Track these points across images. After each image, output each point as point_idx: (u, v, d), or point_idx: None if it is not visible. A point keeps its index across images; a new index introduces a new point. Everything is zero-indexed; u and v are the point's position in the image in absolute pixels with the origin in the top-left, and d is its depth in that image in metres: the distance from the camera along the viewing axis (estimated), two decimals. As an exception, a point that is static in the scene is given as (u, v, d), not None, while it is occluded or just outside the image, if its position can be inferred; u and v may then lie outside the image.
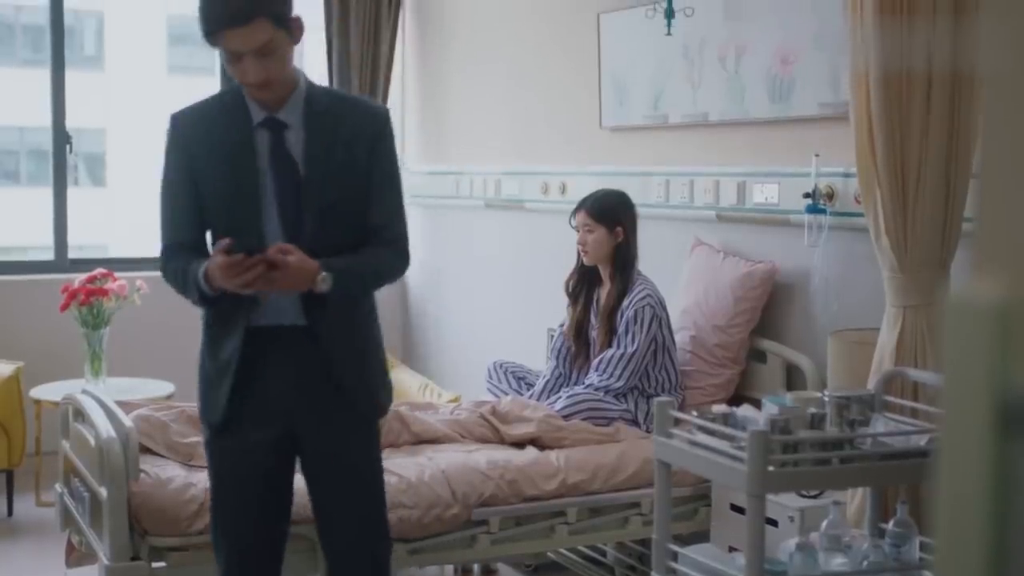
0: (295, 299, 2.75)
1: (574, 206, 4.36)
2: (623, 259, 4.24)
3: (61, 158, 6.31)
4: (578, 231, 4.30)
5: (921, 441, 2.83)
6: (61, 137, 6.30)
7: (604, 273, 4.30)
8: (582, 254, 4.32)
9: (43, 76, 6.38)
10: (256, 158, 2.73)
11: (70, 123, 6.32)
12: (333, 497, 2.91)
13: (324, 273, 2.66)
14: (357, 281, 2.78)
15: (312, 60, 6.85)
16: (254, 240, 2.66)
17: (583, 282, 4.38)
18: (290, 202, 2.74)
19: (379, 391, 2.95)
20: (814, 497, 3.38)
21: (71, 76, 6.33)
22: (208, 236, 2.85)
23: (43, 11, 6.45)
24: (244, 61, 2.62)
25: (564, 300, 4.44)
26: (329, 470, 2.89)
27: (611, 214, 4.24)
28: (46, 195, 6.44)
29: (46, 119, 6.32)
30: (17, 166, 15.04)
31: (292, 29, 2.69)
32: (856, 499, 3.37)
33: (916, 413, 3.09)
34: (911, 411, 3.11)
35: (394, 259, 2.87)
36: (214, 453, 2.92)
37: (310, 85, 2.81)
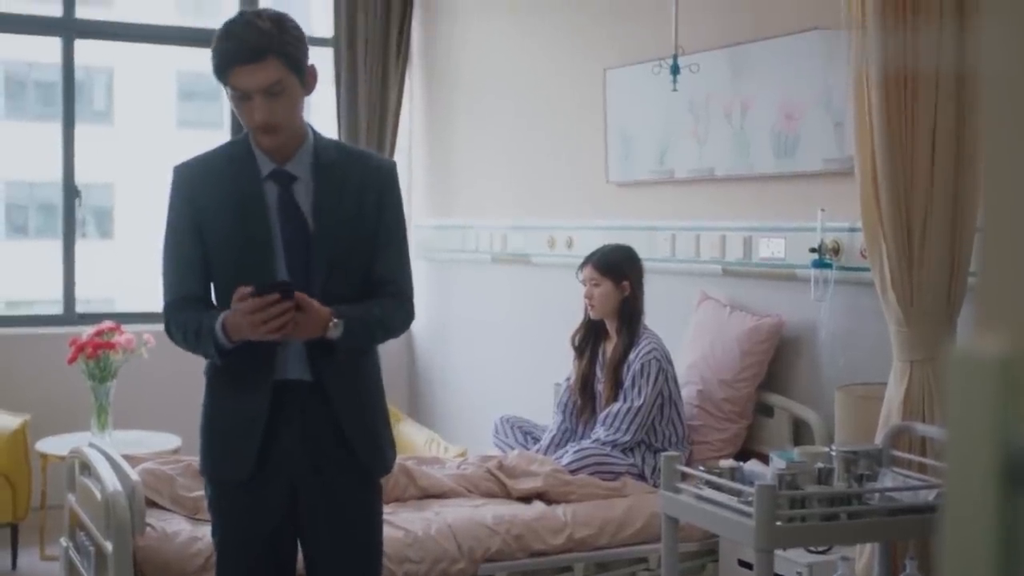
0: (300, 353, 2.73)
1: (581, 260, 4.37)
2: (629, 313, 4.25)
3: (71, 213, 6.35)
4: (585, 285, 4.31)
5: (929, 496, 2.82)
6: (71, 192, 6.34)
7: (611, 327, 4.31)
8: (588, 308, 4.32)
9: (53, 130, 6.42)
10: (268, 210, 2.73)
11: (79, 177, 6.36)
12: (328, 555, 2.84)
13: (336, 320, 2.64)
14: (365, 331, 2.75)
15: (321, 112, 6.90)
16: (281, 281, 2.63)
17: (589, 336, 4.38)
18: (299, 254, 2.72)
19: (384, 447, 2.90)
20: (822, 552, 3.36)
21: (80, 130, 6.38)
22: (212, 290, 2.82)
23: (54, 68, 6.51)
24: (253, 101, 2.63)
25: (570, 354, 4.44)
26: (327, 527, 2.82)
27: (617, 268, 4.26)
28: (54, 248, 6.47)
29: (55, 173, 6.36)
30: (25, 220, 15.10)
31: (305, 76, 2.69)
32: (864, 555, 3.35)
33: (924, 468, 3.08)
34: (919, 466, 3.10)
35: (400, 312, 2.85)
36: (221, 511, 2.86)
37: (317, 137, 2.81)
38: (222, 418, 2.80)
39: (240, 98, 2.64)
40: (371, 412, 2.85)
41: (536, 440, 4.46)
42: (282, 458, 2.75)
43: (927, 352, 3.27)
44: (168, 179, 2.82)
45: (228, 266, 2.73)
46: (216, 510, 2.88)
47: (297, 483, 2.78)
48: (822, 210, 3.94)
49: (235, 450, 2.75)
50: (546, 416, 4.66)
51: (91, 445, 3.95)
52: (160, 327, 2.89)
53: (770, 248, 4.24)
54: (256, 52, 2.59)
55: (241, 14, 2.69)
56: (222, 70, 2.63)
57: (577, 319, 4.42)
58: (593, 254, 4.34)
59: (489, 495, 4.09)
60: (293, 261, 2.72)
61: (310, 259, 2.72)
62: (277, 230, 2.72)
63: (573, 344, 4.42)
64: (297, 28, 2.70)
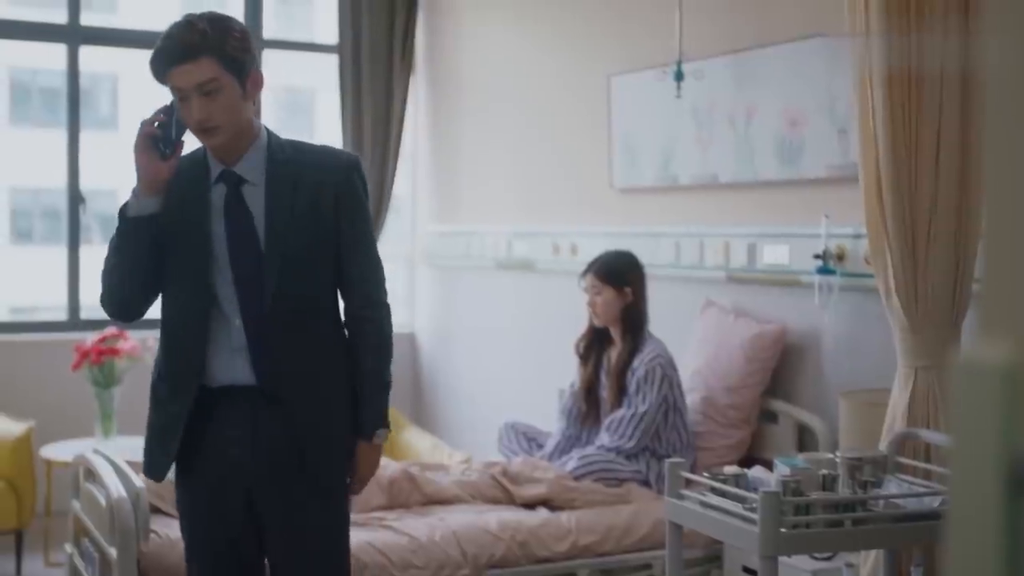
0: (244, 356, 2.69)
1: (584, 267, 4.37)
2: (633, 320, 4.25)
3: (75, 219, 6.36)
4: (587, 294, 4.30)
5: (934, 503, 2.81)
6: (76, 198, 6.34)
7: (615, 334, 4.30)
8: (592, 316, 4.32)
9: (58, 137, 6.43)
10: (210, 212, 2.70)
11: (84, 183, 6.36)
12: (288, 561, 2.78)
13: (377, 432, 2.79)
14: (386, 391, 2.84)
15: (325, 119, 6.91)
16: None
17: (594, 342, 4.38)
18: (245, 256, 2.69)
19: (342, 457, 2.80)
20: (827, 559, 3.35)
21: (85, 137, 6.38)
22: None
23: (59, 74, 6.52)
24: (191, 101, 2.62)
25: (575, 360, 4.44)
26: (285, 536, 2.76)
27: (619, 275, 4.26)
28: (59, 254, 6.47)
29: (60, 180, 6.37)
30: (30, 226, 15.13)
31: (245, 80, 2.65)
32: (869, 561, 3.34)
33: (929, 474, 3.08)
34: (924, 472, 3.10)
35: (383, 331, 2.82)
36: (184, 514, 2.86)
37: (272, 137, 2.77)
38: (157, 419, 2.82)
39: (180, 99, 2.64)
40: (329, 421, 2.76)
41: (540, 446, 4.45)
42: (231, 464, 2.72)
43: (932, 358, 3.27)
44: None
45: (173, 265, 2.72)
46: (180, 512, 2.90)
47: (253, 489, 2.74)
48: (826, 216, 3.94)
49: (153, 452, 2.81)
50: (550, 422, 4.66)
51: (96, 451, 3.95)
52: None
53: (774, 254, 4.24)
54: (189, 51, 2.58)
55: (184, 16, 2.66)
56: (160, 71, 2.63)
57: (581, 325, 4.42)
58: (594, 262, 4.34)
59: (493, 501, 4.09)
60: (239, 261, 2.69)
61: (260, 259, 2.69)
62: (222, 232, 2.70)
63: (577, 351, 4.42)
64: (241, 31, 2.67)
